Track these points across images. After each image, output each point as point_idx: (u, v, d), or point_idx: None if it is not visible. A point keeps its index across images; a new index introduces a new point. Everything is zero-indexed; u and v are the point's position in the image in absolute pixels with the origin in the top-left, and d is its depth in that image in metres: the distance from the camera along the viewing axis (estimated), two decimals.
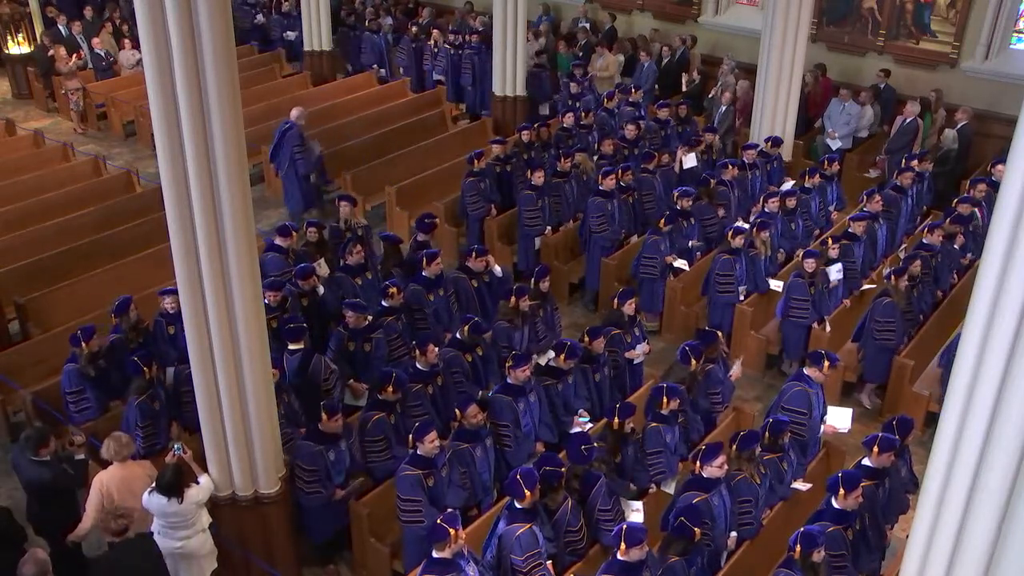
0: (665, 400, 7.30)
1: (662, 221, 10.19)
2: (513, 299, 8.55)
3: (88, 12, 17.50)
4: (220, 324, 6.21)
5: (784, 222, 10.70)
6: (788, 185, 11.77)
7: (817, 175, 11.48)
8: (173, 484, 6.32)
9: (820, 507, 6.58)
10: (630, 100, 13.83)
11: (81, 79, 15.64)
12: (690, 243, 10.52)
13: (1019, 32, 13.59)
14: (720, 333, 8.42)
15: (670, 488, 7.41)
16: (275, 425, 6.86)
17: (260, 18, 18.36)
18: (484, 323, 8.53)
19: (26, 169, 12.77)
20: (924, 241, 9.96)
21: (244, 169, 5.95)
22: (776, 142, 12.32)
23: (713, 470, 6.49)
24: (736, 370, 8.27)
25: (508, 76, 14.41)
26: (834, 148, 13.18)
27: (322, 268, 9.29)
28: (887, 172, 12.94)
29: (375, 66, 17.03)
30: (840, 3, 14.63)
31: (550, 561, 6.42)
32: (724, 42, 16.05)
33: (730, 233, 9.82)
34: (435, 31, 16.67)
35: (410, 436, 6.78)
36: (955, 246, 10.29)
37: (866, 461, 6.82)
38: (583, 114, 13.08)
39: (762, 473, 6.94)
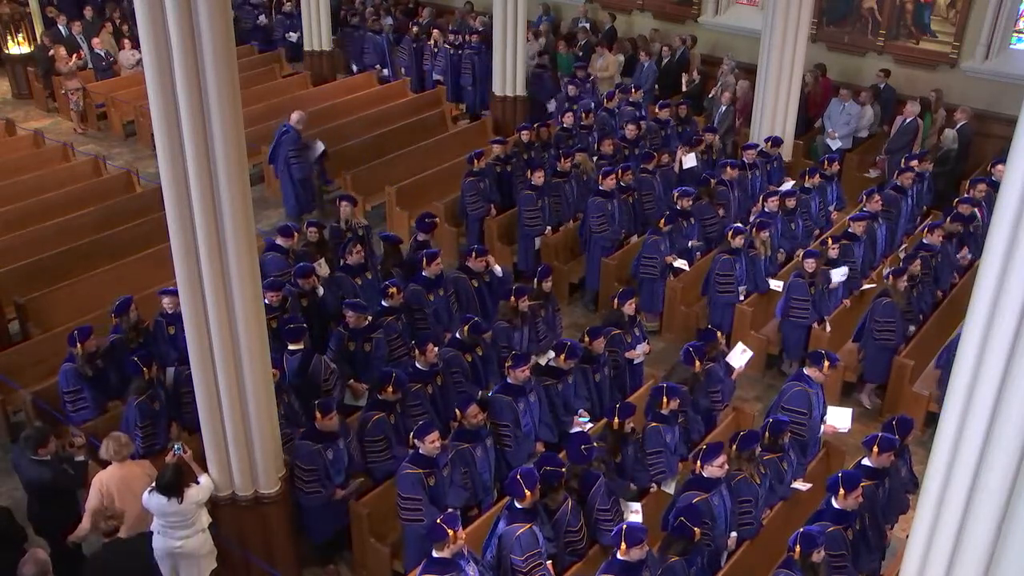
0: (665, 400, 7.30)
1: (662, 221, 10.19)
2: (513, 299, 8.55)
3: (88, 12, 17.49)
4: (220, 324, 6.21)
5: (784, 222, 10.70)
6: (788, 185, 11.76)
7: (817, 175, 11.48)
8: (173, 484, 6.33)
9: (820, 507, 6.58)
10: (630, 100, 13.83)
11: (81, 79, 15.64)
12: (690, 243, 10.52)
13: (1019, 32, 13.59)
14: (720, 332, 8.40)
15: (670, 488, 7.41)
16: (275, 425, 6.86)
17: (263, 19, 18.36)
18: (484, 323, 8.53)
19: (26, 169, 12.77)
20: (924, 241, 9.96)
21: (244, 169, 5.95)
22: (776, 142, 12.32)
23: (714, 470, 6.49)
24: (739, 363, 8.25)
25: (508, 76, 14.42)
26: (834, 148, 13.18)
27: (322, 268, 9.29)
28: (887, 172, 12.94)
29: (377, 66, 17.03)
30: (840, 3, 14.63)
31: (550, 561, 6.42)
32: (724, 42, 16.05)
33: (730, 233, 9.82)
34: (435, 31, 16.68)
35: (411, 435, 6.78)
36: (958, 255, 10.30)
37: (866, 461, 6.82)
38: (583, 114, 13.08)
39: (762, 473, 6.94)
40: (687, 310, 10.31)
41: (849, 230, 10.11)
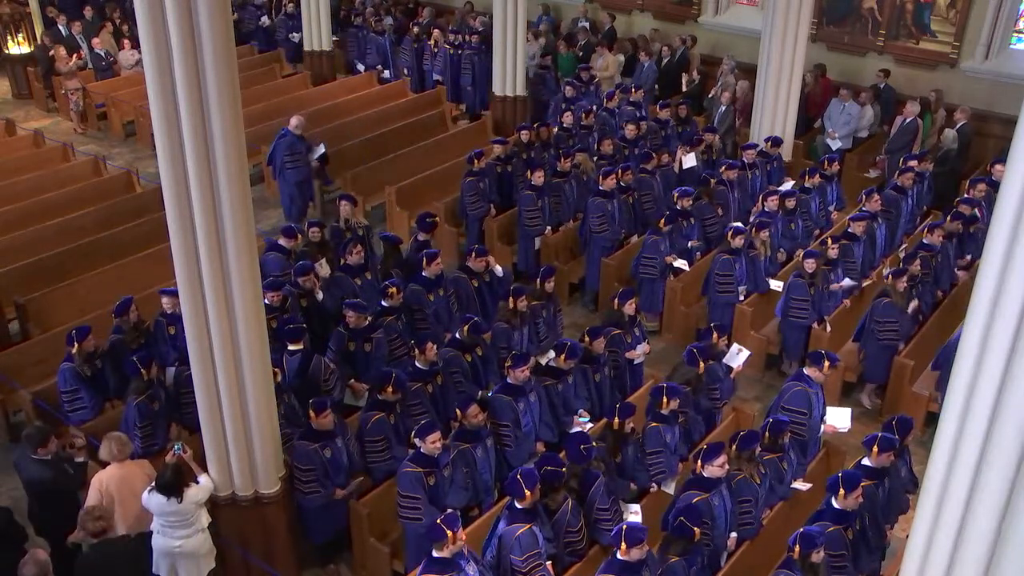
0: (665, 400, 7.30)
1: (662, 221, 10.19)
2: (511, 299, 8.55)
3: (88, 12, 17.49)
4: (220, 324, 6.21)
5: (784, 222, 10.70)
6: (788, 185, 11.76)
7: (817, 175, 11.48)
8: (173, 483, 6.33)
9: (820, 507, 6.58)
10: (631, 100, 13.83)
11: (81, 79, 15.65)
12: (690, 243, 10.52)
13: (1019, 32, 13.59)
14: (715, 334, 8.33)
15: (670, 488, 7.41)
16: (275, 425, 6.86)
17: (265, 20, 18.37)
18: (484, 323, 8.53)
19: (26, 169, 12.77)
20: (924, 241, 9.96)
21: (244, 169, 5.96)
22: (776, 142, 12.32)
23: (714, 470, 6.49)
24: (737, 363, 8.25)
25: (508, 76, 14.42)
26: (834, 148, 13.18)
27: (323, 268, 9.28)
28: (887, 172, 12.95)
29: (379, 67, 17.03)
30: (840, 3, 14.63)
31: (550, 561, 6.42)
32: (724, 42, 16.05)
33: (730, 233, 9.82)
34: (435, 31, 16.68)
35: (412, 435, 6.78)
36: (959, 261, 10.32)
37: (866, 461, 6.82)
38: (583, 114, 13.09)
39: (762, 473, 6.94)
40: (687, 310, 10.31)
41: (849, 230, 10.11)
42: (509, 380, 7.55)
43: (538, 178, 10.92)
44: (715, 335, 8.13)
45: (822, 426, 7.80)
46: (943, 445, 4.60)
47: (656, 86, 15.52)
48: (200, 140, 5.70)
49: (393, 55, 17.01)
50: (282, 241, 9.57)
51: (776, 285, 9.94)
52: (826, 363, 7.62)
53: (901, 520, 7.24)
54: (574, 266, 11.21)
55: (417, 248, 9.66)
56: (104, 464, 6.72)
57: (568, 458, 6.71)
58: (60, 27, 16.66)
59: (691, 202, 10.54)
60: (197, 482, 6.56)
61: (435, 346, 7.89)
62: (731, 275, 9.63)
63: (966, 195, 11.12)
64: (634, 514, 6.99)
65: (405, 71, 16.83)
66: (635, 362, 8.63)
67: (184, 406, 7.75)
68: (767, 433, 7.10)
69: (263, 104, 14.93)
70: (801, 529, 6.11)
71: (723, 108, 13.67)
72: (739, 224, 10.31)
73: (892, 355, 9.12)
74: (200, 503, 6.56)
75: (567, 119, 12.90)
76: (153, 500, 6.37)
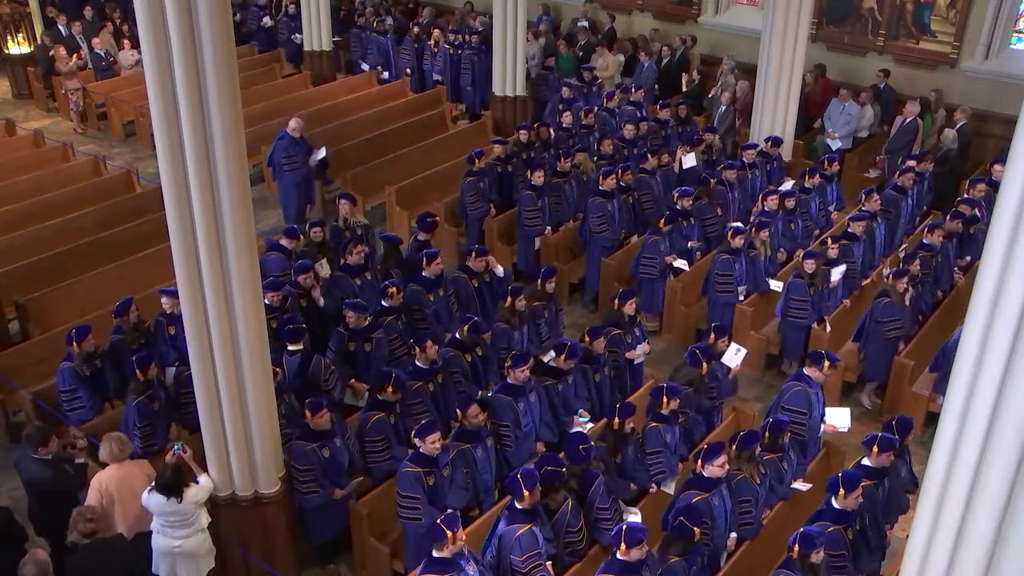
0: (665, 400, 7.30)
1: (662, 221, 10.19)
2: (509, 299, 8.55)
3: (88, 12, 17.49)
4: (220, 324, 6.21)
5: (784, 222, 10.70)
6: (788, 185, 11.77)
7: (817, 175, 11.48)
8: (172, 483, 6.33)
9: (820, 507, 6.58)
10: (631, 100, 13.83)
11: (81, 79, 15.64)
12: (690, 243, 10.52)
13: (1019, 32, 13.59)
14: (713, 334, 8.31)
15: (670, 488, 7.41)
16: (275, 425, 6.86)
17: (267, 20, 18.37)
18: (484, 323, 8.53)
19: (26, 169, 12.77)
20: (924, 241, 9.96)
21: (244, 169, 5.96)
22: (776, 142, 12.32)
23: (714, 469, 6.49)
24: (735, 363, 8.25)
25: (508, 76, 14.42)
26: (834, 148, 13.18)
27: (323, 268, 9.28)
28: (887, 172, 12.95)
29: (379, 67, 17.03)
30: (840, 3, 14.63)
31: (550, 562, 6.42)
32: (724, 42, 16.05)
33: (730, 233, 9.82)
34: (435, 31, 16.68)
35: (412, 434, 6.78)
36: (958, 261, 10.34)
37: (866, 461, 6.82)
38: (583, 114, 13.09)
39: (762, 473, 6.94)
40: (687, 310, 10.31)
41: (849, 230, 10.11)
42: (509, 380, 7.55)
43: (538, 178, 10.91)
44: (713, 336, 8.12)
45: (822, 426, 7.80)
46: (943, 445, 4.60)
47: (656, 86, 15.52)
48: (200, 140, 5.70)
49: (395, 56, 17.00)
50: (284, 241, 9.57)
51: (776, 285, 9.94)
52: (826, 363, 7.62)
53: (901, 520, 7.24)
54: (574, 266, 11.21)
55: (417, 248, 9.66)
56: (104, 465, 6.72)
57: (567, 458, 6.71)
58: (60, 27, 16.66)
59: (691, 202, 10.54)
60: (197, 482, 6.56)
61: (434, 345, 7.89)
62: (731, 275, 9.63)
63: (966, 195, 11.12)
64: (634, 514, 6.99)
65: (408, 71, 16.83)
66: (635, 362, 8.64)
67: (184, 406, 7.75)
68: (767, 433, 7.10)
69: (263, 104, 14.93)
70: (801, 529, 6.11)
71: (723, 108, 13.67)
72: (739, 224, 10.31)
73: (893, 354, 9.12)
74: (200, 503, 6.56)
75: (567, 119, 12.90)
76: (153, 500, 6.37)
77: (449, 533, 5.68)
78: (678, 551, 6.10)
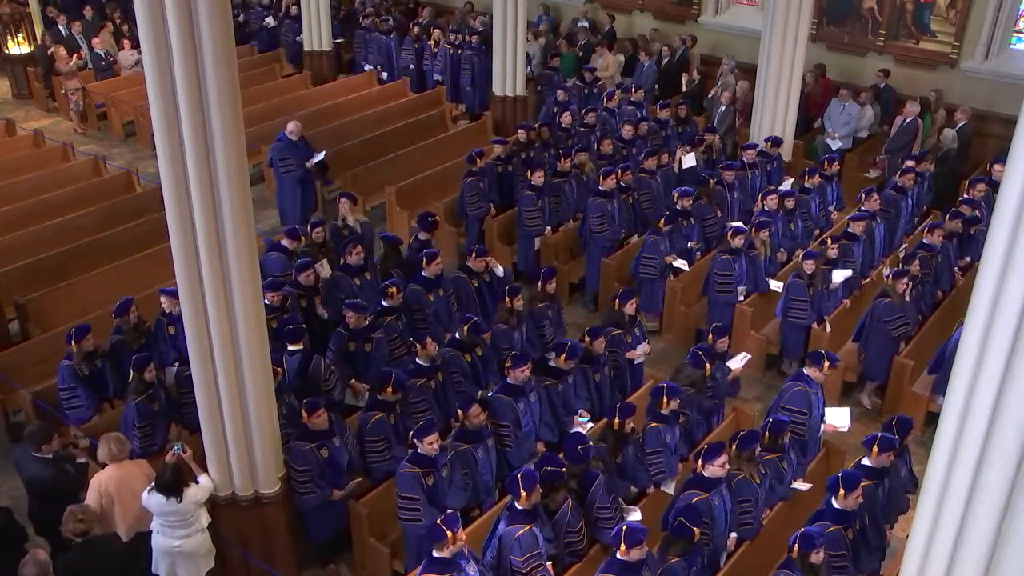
0: (665, 400, 7.30)
1: (662, 221, 10.19)
2: (507, 300, 8.56)
3: (88, 12, 17.50)
4: (220, 324, 6.21)
5: (784, 222, 10.70)
6: (787, 184, 11.77)
7: (817, 175, 11.48)
8: (172, 483, 6.33)
9: (820, 507, 6.58)
10: (631, 100, 13.83)
11: (81, 79, 15.65)
12: (690, 243, 10.52)
13: (1019, 32, 13.59)
14: (711, 335, 8.28)
15: (670, 488, 7.41)
16: (275, 425, 6.86)
17: (270, 21, 18.37)
18: (484, 323, 8.52)
19: (26, 169, 12.77)
20: (924, 241, 9.96)
21: (244, 169, 5.96)
22: (776, 142, 12.32)
23: (715, 469, 6.49)
24: (736, 366, 8.26)
25: (508, 76, 14.42)
26: (834, 148, 13.18)
27: (324, 269, 9.28)
28: (887, 172, 12.95)
29: (379, 67, 17.03)
30: (840, 3, 14.64)
31: (550, 562, 6.41)
32: (724, 42, 16.05)
33: (730, 233, 9.82)
34: (435, 31, 16.68)
35: (410, 435, 6.78)
36: (958, 262, 10.35)
37: (866, 461, 6.82)
38: (585, 114, 13.08)
39: (762, 473, 6.94)
40: (687, 310, 10.31)
41: (849, 230, 10.11)
42: (509, 380, 7.55)
43: (538, 178, 10.91)
44: (711, 336, 8.12)
45: (822, 426, 7.80)
46: (943, 445, 4.60)
47: (656, 86, 15.52)
48: (200, 140, 5.70)
49: (397, 55, 17.00)
50: (285, 242, 9.58)
51: (776, 285, 9.94)
52: (826, 363, 7.62)
53: (901, 520, 7.24)
54: (574, 266, 11.21)
55: (417, 248, 9.66)
56: (102, 465, 6.72)
57: (566, 458, 6.71)
58: (60, 27, 16.67)
59: (691, 202, 10.54)
60: (197, 482, 6.56)
61: (434, 343, 7.89)
62: (731, 275, 9.63)
63: (966, 195, 11.12)
64: (634, 513, 7.00)
65: (410, 67, 16.80)
66: (635, 362, 8.63)
67: (184, 406, 7.75)
68: (767, 433, 7.10)
69: (263, 104, 14.93)
70: (801, 529, 6.11)
71: (723, 108, 13.67)
72: (739, 224, 10.31)
73: (893, 354, 9.12)
74: (200, 503, 6.56)
75: (566, 119, 12.90)
76: (153, 500, 6.37)
77: (449, 533, 5.68)
78: (678, 551, 6.10)
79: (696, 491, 6.52)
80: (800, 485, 7.31)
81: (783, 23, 11.87)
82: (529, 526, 6.17)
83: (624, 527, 5.87)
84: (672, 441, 7.44)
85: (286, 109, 14.61)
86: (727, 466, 6.55)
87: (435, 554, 5.78)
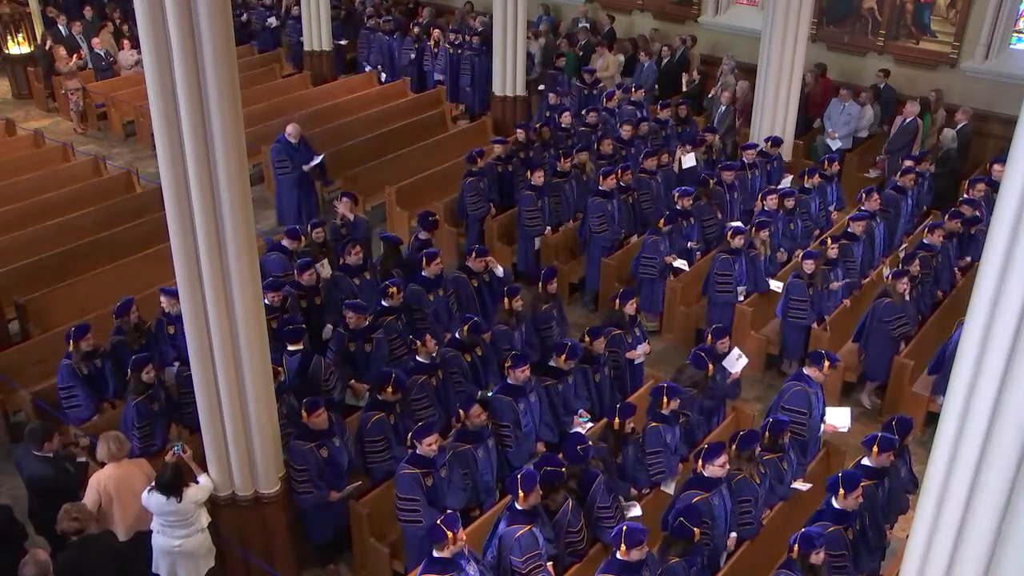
0: (665, 400, 7.30)
1: (662, 221, 10.19)
2: (506, 300, 8.55)
3: (88, 12, 17.50)
4: (220, 324, 6.21)
5: (784, 222, 10.70)
6: (786, 182, 11.78)
7: (816, 175, 11.48)
8: (172, 483, 6.33)
9: (820, 507, 6.58)
10: (631, 100, 13.83)
11: (81, 79, 15.65)
12: (689, 243, 10.51)
13: (1019, 32, 13.59)
14: (710, 336, 8.27)
15: (670, 488, 7.41)
16: (275, 425, 6.86)
17: (273, 20, 18.36)
18: (484, 323, 8.53)
19: (26, 169, 12.77)
20: (924, 241, 9.96)
21: (244, 169, 5.96)
22: (776, 142, 12.32)
23: (715, 469, 6.49)
24: (735, 368, 8.26)
25: (508, 76, 14.42)
26: (834, 148, 13.18)
27: (324, 269, 9.28)
28: (887, 172, 12.95)
29: (379, 67, 17.03)
30: (840, 3, 14.64)
31: (551, 562, 6.41)
32: (724, 42, 16.05)
33: (729, 233, 9.82)
34: (435, 31, 16.68)
35: (409, 436, 6.78)
36: (959, 262, 10.35)
37: (866, 461, 6.82)
38: (586, 113, 13.07)
39: (762, 473, 6.94)
40: (687, 310, 10.31)
41: (849, 230, 10.11)
42: (509, 380, 7.55)
43: (538, 178, 10.91)
44: (710, 337, 8.12)
45: (822, 426, 7.80)
46: (943, 445, 4.60)
47: (656, 86, 15.52)
48: (200, 140, 5.70)
49: (399, 55, 16.99)
50: (285, 242, 9.58)
51: (776, 285, 9.94)
52: (826, 363, 7.62)
53: (901, 520, 7.24)
54: (574, 266, 11.21)
55: (418, 247, 9.67)
56: (101, 464, 6.72)
57: (566, 458, 6.71)
58: (60, 27, 16.67)
59: (691, 202, 10.54)
60: (197, 482, 6.56)
61: (433, 340, 7.90)
62: (730, 275, 9.63)
63: (966, 195, 11.12)
64: (634, 508, 7.00)
65: (411, 67, 16.81)
66: (635, 362, 8.63)
67: (184, 406, 7.75)
68: (767, 433, 7.10)
69: (263, 104, 14.93)
70: (802, 530, 6.11)
71: (723, 108, 13.67)
72: (739, 224, 10.31)
73: (893, 354, 9.12)
74: (200, 503, 6.56)
75: (566, 119, 12.90)
76: (153, 500, 6.37)
77: (449, 534, 5.68)
78: (678, 552, 6.10)
79: (696, 491, 6.52)
80: (800, 485, 7.31)
81: (783, 23, 11.88)
82: (529, 526, 6.16)
83: (624, 527, 5.87)
84: (672, 441, 7.44)
85: (286, 109, 14.61)
86: (727, 466, 6.55)
87: (435, 554, 5.77)
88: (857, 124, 13.55)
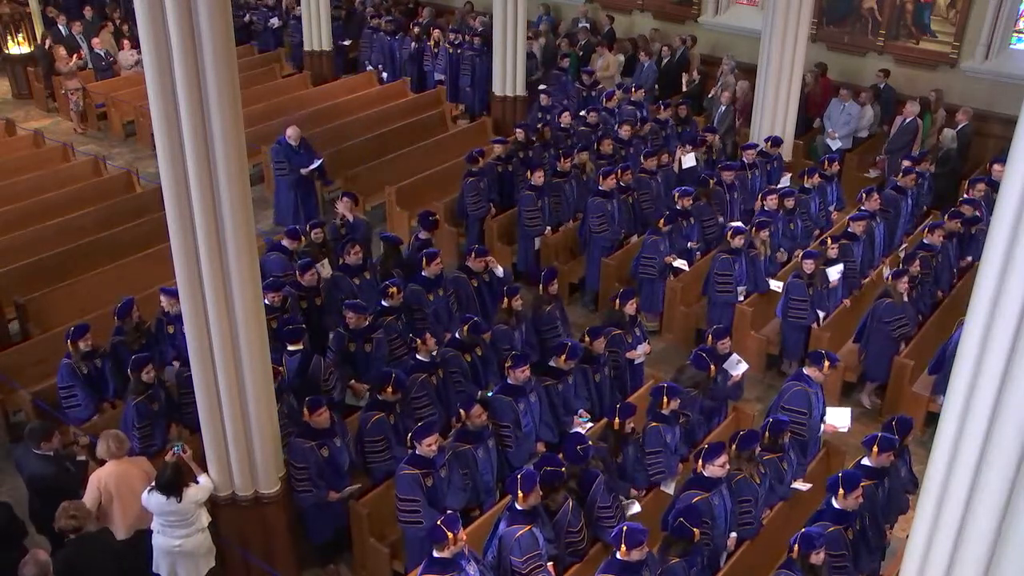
0: (665, 400, 7.30)
1: (662, 221, 10.19)
2: (506, 300, 8.55)
3: (88, 12, 17.50)
4: (220, 324, 6.21)
5: (784, 222, 10.70)
6: (785, 181, 11.78)
7: (816, 175, 11.48)
8: (172, 483, 6.33)
9: (820, 507, 6.58)
10: (631, 100, 13.83)
11: (81, 79, 15.65)
12: (689, 243, 10.51)
13: (1019, 32, 13.59)
14: (710, 336, 8.28)
15: (670, 488, 7.41)
16: (275, 425, 6.86)
17: (275, 21, 18.36)
18: (484, 323, 8.53)
19: (26, 169, 12.77)
20: (924, 241, 9.96)
21: (244, 169, 5.96)
22: (776, 142, 12.32)
23: (715, 469, 6.49)
24: (736, 372, 8.26)
25: (508, 76, 14.41)
26: (834, 148, 13.18)
27: (325, 269, 9.28)
28: (887, 172, 12.95)
29: (380, 67, 17.02)
30: (840, 3, 14.64)
31: (551, 562, 6.41)
32: (724, 42, 16.05)
33: (730, 233, 9.82)
34: (435, 31, 16.67)
35: (409, 436, 6.78)
36: (959, 262, 10.36)
37: (865, 461, 6.82)
38: (587, 113, 13.07)
39: (762, 473, 6.94)
40: (687, 310, 10.31)
41: (849, 229, 10.11)
42: (509, 380, 7.55)
43: (538, 178, 10.91)
44: (711, 338, 8.12)
45: (822, 426, 7.80)
46: (943, 445, 4.60)
47: (656, 86, 15.52)
48: (200, 140, 5.70)
49: (400, 55, 16.99)
50: (285, 242, 9.58)
51: (776, 285, 9.94)
52: (826, 363, 7.62)
53: (901, 520, 7.24)
54: (574, 266, 11.21)
55: (418, 247, 9.67)
56: (102, 462, 6.73)
57: (565, 458, 6.71)
58: (60, 27, 16.67)
59: (691, 202, 10.54)
60: (197, 482, 6.56)
61: (433, 339, 7.90)
62: (730, 275, 9.63)
63: (966, 195, 11.12)
64: (634, 503, 7.00)
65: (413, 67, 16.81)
66: (635, 362, 8.63)
67: (184, 406, 7.75)
68: (767, 433, 7.10)
69: (263, 104, 14.93)
70: (802, 530, 6.11)
71: (723, 108, 13.67)
72: (739, 224, 10.31)
73: (893, 354, 9.12)
74: (200, 503, 6.56)
75: (565, 119, 12.90)
76: (153, 499, 6.37)
77: (450, 534, 5.68)
78: (678, 552, 6.09)
79: (696, 491, 6.52)
80: (800, 485, 7.31)
81: (783, 23, 11.88)
82: (529, 527, 6.16)
83: (624, 527, 5.87)
84: (672, 441, 7.44)
85: (286, 109, 14.62)
86: (727, 466, 6.55)
87: (435, 554, 5.77)
88: (857, 124, 13.55)
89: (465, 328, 8.16)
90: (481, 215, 11.45)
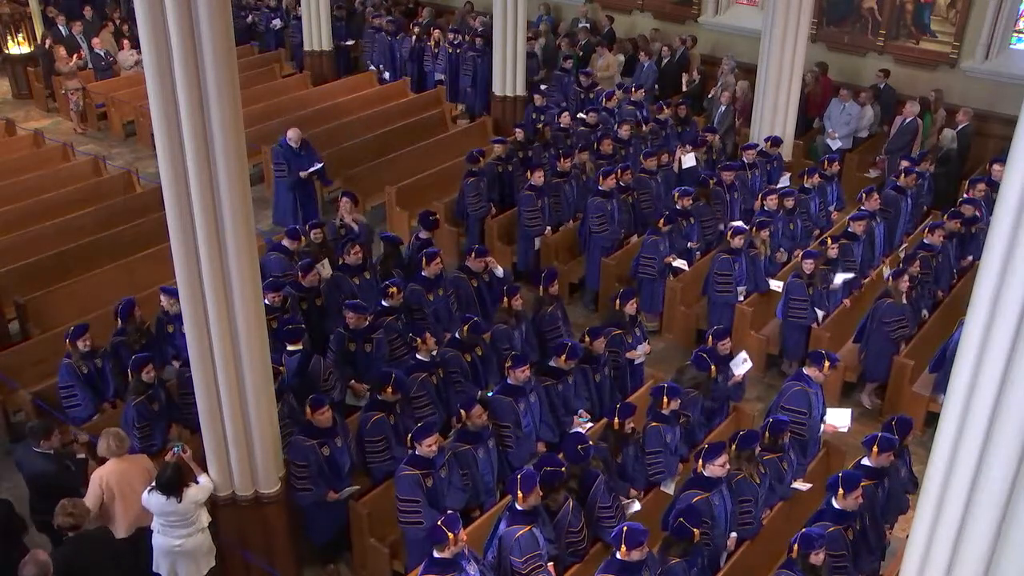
0: (665, 400, 7.30)
1: (661, 221, 10.19)
2: (505, 300, 8.55)
3: (88, 12, 17.50)
4: (220, 324, 6.21)
5: (784, 222, 10.70)
6: (784, 180, 11.77)
7: (816, 175, 11.48)
8: (172, 483, 6.33)
9: (820, 507, 6.58)
10: (631, 100, 13.83)
11: (81, 79, 15.65)
12: (689, 243, 10.51)
13: (1019, 32, 13.59)
14: (711, 336, 8.28)
15: (670, 488, 7.41)
16: (275, 425, 6.86)
17: (277, 22, 18.36)
18: (484, 323, 8.53)
19: (26, 169, 12.77)
20: (924, 241, 9.96)
21: (244, 169, 5.96)
22: (776, 142, 12.32)
23: (715, 469, 6.49)
24: (739, 371, 8.25)
25: (508, 76, 14.41)
26: (834, 148, 13.19)
27: (325, 269, 9.28)
28: (887, 172, 12.95)
29: (380, 67, 17.01)
30: (840, 3, 14.64)
31: (551, 562, 6.41)
32: (724, 42, 16.05)
33: (730, 233, 9.83)
34: (435, 31, 16.68)
35: (409, 437, 6.78)
36: (960, 262, 10.35)
37: (865, 461, 6.82)
38: (586, 113, 13.07)
39: (762, 473, 6.94)
40: (687, 310, 10.31)
41: (849, 230, 10.11)
42: (509, 380, 7.55)
43: (538, 178, 10.91)
44: (711, 339, 8.12)
45: (822, 426, 7.80)
46: (943, 445, 4.60)
47: (656, 86, 15.52)
48: (200, 140, 5.70)
49: (401, 56, 16.99)
50: (285, 242, 9.58)
51: (776, 285, 9.94)
52: (826, 363, 7.62)
53: (901, 520, 7.24)
54: (574, 266, 11.21)
55: (418, 247, 9.67)
56: (102, 460, 6.73)
57: (566, 458, 6.70)
58: (60, 27, 16.68)
59: (691, 202, 10.54)
60: (197, 482, 6.56)
61: (433, 338, 7.90)
62: (730, 275, 9.64)
63: (966, 195, 11.12)
64: (634, 502, 7.00)
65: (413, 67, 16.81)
66: (635, 362, 8.63)
67: (184, 406, 7.75)
68: (767, 433, 7.10)
69: (263, 104, 14.93)
70: (802, 530, 6.11)
71: (723, 108, 13.67)
72: (739, 224, 10.31)
73: (893, 354, 9.12)
74: (200, 503, 6.56)
75: (565, 119, 12.89)
76: (153, 499, 6.37)
77: (450, 534, 5.67)
78: (678, 552, 6.09)
79: (696, 491, 6.52)
80: (800, 485, 7.31)
81: (783, 23, 11.88)
82: (529, 527, 6.16)
83: (624, 528, 5.87)
84: (672, 441, 7.44)
85: (286, 109, 14.62)
86: (727, 466, 6.55)
87: (436, 555, 5.77)
88: (857, 124, 13.55)
89: (465, 328, 8.15)
90: (481, 215, 11.45)
